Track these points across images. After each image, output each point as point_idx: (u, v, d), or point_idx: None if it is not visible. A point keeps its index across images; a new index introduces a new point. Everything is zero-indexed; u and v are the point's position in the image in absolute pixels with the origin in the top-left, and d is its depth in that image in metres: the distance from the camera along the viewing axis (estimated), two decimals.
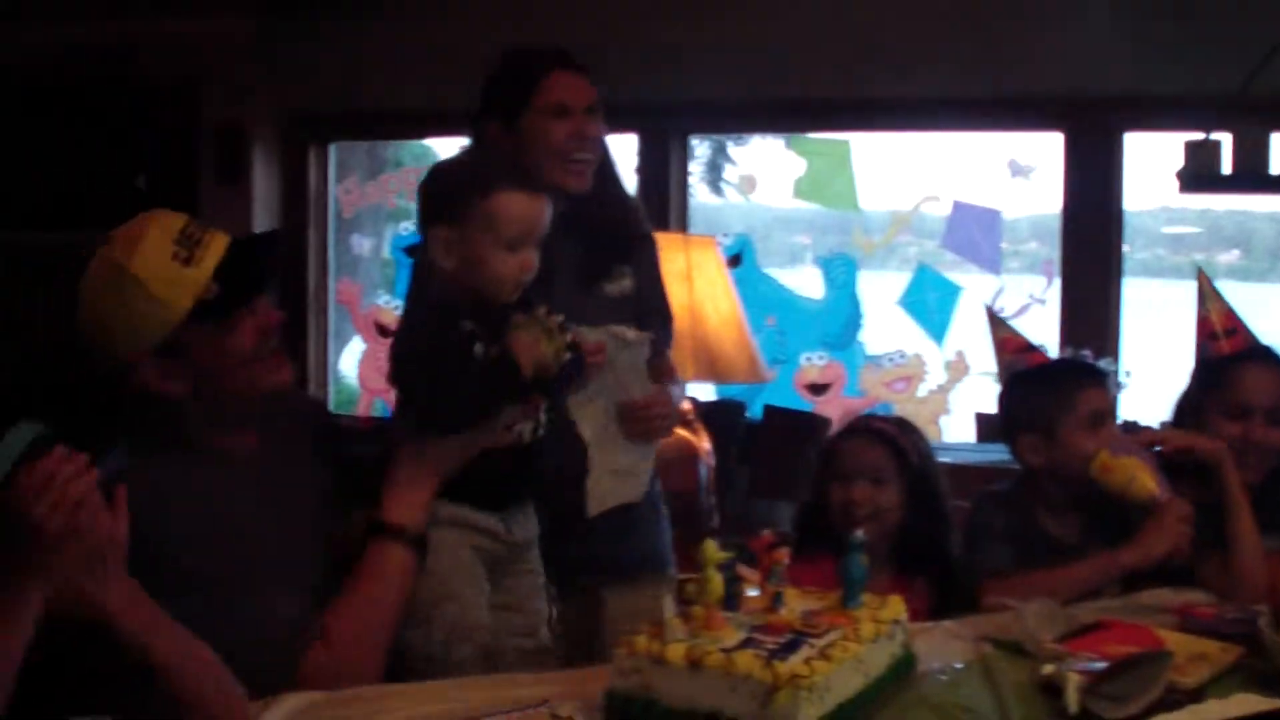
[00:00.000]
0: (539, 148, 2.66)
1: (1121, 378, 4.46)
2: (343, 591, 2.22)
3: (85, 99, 5.31)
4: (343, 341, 5.87)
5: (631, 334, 2.65)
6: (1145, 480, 2.68)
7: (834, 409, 5.03)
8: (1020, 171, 5.03)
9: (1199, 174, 4.12)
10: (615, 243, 2.80)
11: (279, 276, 2.27)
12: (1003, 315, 2.99)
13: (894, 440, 2.82)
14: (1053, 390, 2.81)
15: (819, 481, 2.84)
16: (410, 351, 2.35)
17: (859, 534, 2.13)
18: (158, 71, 5.29)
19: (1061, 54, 4.59)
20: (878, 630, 2.02)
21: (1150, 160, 4.76)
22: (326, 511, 2.35)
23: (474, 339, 2.26)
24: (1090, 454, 2.72)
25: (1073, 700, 1.95)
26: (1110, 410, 2.86)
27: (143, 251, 2.09)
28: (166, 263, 2.09)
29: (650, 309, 2.84)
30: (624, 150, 4.96)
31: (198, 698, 1.92)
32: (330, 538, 2.33)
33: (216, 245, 2.14)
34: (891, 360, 5.22)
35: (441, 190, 2.37)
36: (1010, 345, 2.92)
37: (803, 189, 5.15)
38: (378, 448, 2.41)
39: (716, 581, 1.96)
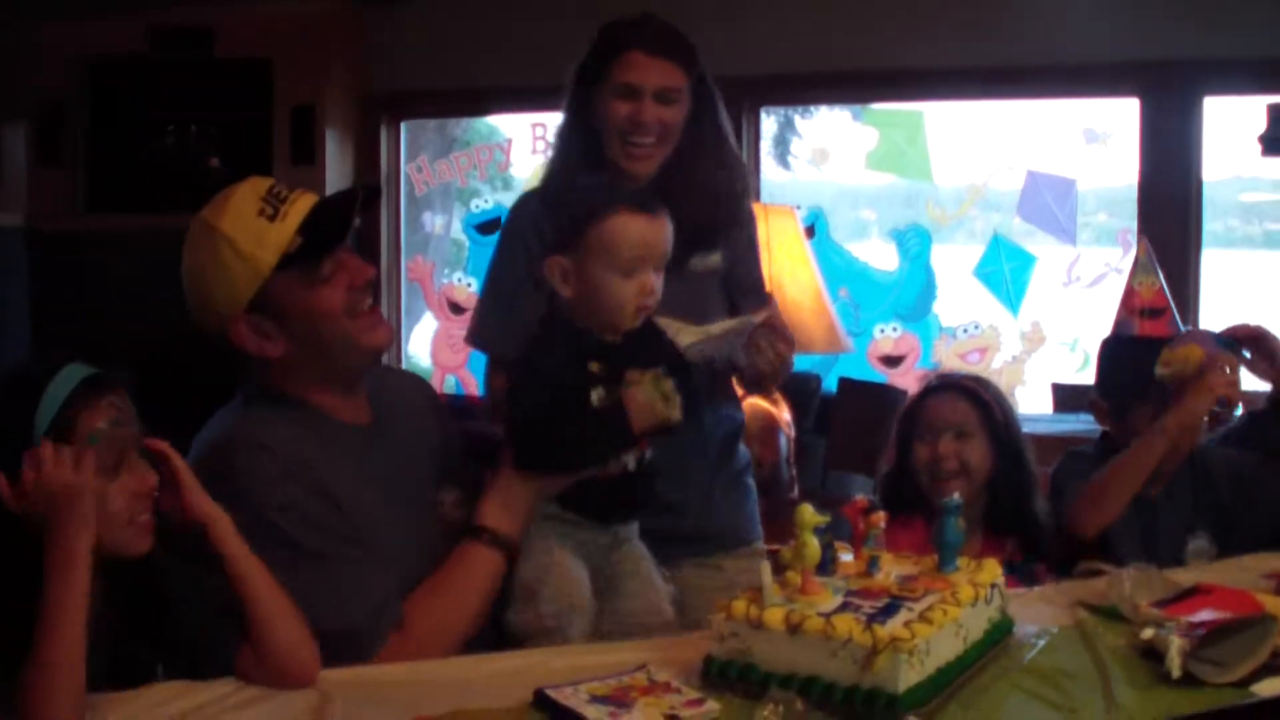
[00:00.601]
0: (604, 124, 2.67)
1: None
2: (427, 585, 2.22)
3: (164, 82, 5.35)
4: (414, 319, 5.89)
5: (723, 326, 2.52)
6: (1197, 353, 2.67)
7: (908, 381, 5.01)
8: (1095, 139, 4.97)
9: None
10: (701, 222, 2.70)
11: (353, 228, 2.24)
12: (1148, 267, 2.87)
13: (977, 394, 2.81)
14: (1135, 371, 2.77)
15: (902, 443, 2.84)
16: (529, 379, 2.29)
17: (955, 496, 2.11)
18: (233, 53, 5.32)
19: (1136, 16, 4.53)
20: (976, 594, 2.00)
21: (1223, 126, 4.69)
22: (435, 491, 2.36)
23: (595, 382, 2.22)
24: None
25: (1175, 664, 1.93)
26: None
27: (231, 210, 2.15)
28: (252, 219, 2.14)
29: (743, 287, 2.82)
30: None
31: (274, 636, 1.96)
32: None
33: (302, 203, 2.18)
34: (966, 331, 5.18)
35: (556, 218, 2.35)
36: (1132, 301, 2.84)
37: (876, 160, 5.12)
38: (485, 426, 2.39)
39: (813, 546, 1.95)
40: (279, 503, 2.11)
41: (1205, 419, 2.74)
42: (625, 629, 2.32)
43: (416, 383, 2.71)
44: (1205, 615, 2.09)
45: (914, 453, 2.78)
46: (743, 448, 2.91)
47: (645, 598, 2.37)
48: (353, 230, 2.24)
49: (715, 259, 2.78)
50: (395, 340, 5.76)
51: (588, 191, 2.47)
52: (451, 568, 2.23)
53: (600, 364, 2.24)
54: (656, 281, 2.27)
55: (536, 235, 2.71)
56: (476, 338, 2.88)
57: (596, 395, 2.22)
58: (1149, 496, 2.75)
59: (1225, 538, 2.74)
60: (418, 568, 2.25)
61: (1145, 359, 2.75)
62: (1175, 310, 2.85)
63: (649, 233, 2.26)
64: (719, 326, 2.49)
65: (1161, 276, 2.83)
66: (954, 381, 2.88)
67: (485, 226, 5.69)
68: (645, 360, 2.28)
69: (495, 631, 2.29)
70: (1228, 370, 2.69)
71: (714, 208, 2.75)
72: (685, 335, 2.39)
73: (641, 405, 2.22)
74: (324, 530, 2.13)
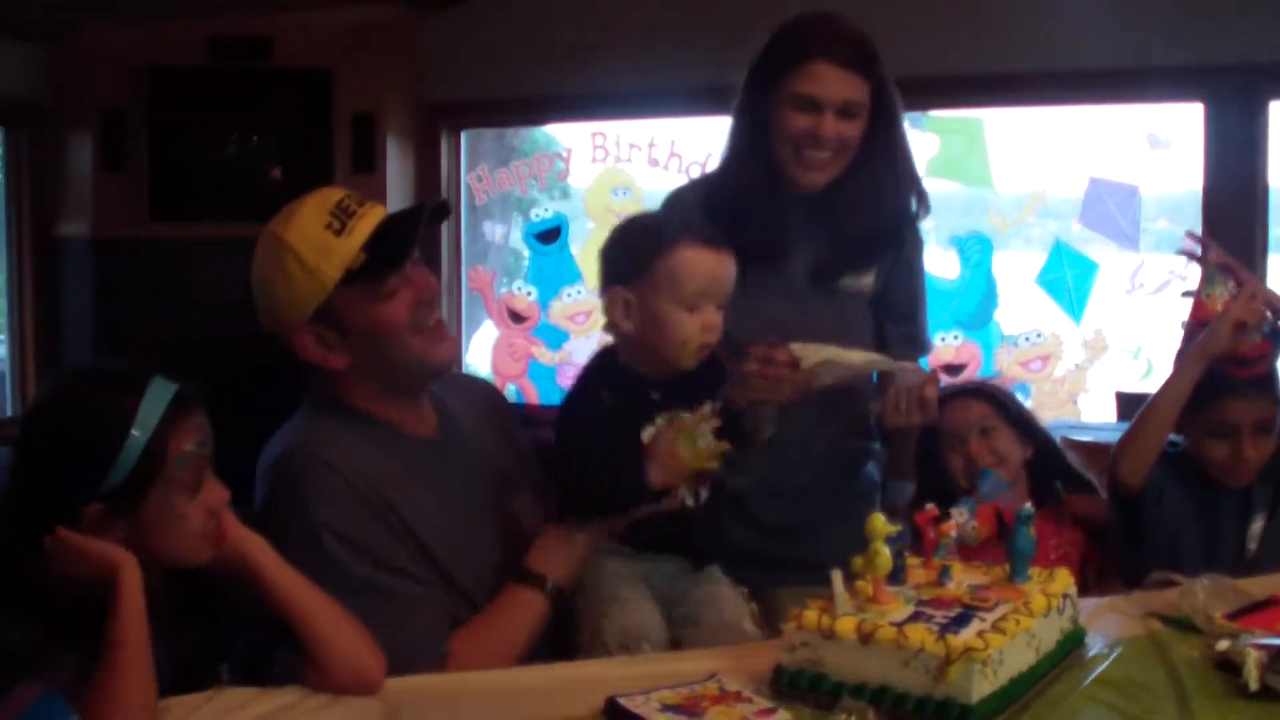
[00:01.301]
0: (776, 133, 2.59)
1: None
2: (473, 626, 2.22)
3: (224, 91, 5.39)
4: (474, 328, 5.91)
5: (865, 357, 2.50)
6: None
7: None
8: (1159, 144, 4.93)
9: None
10: (858, 240, 2.67)
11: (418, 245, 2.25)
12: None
13: (985, 391, 2.93)
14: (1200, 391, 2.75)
15: (935, 459, 2.92)
16: (570, 421, 2.28)
17: (1028, 506, 2.10)
18: (293, 62, 5.36)
19: (1198, 20, 4.48)
20: (1048, 604, 1.99)
21: None
22: (508, 499, 2.36)
23: (652, 413, 2.19)
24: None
25: (1253, 678, 1.90)
26: (1255, 424, 2.74)
27: (298, 222, 2.17)
28: (319, 232, 2.16)
29: (894, 313, 2.74)
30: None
31: (331, 651, 1.97)
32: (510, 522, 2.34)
33: (371, 217, 2.19)
34: (1028, 339, 5.14)
35: (619, 249, 2.29)
36: (1201, 313, 2.80)
37: (936, 168, 5.09)
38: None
39: (884, 555, 1.94)
40: (334, 526, 2.12)
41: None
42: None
43: (484, 387, 2.71)
44: None
45: (949, 464, 2.84)
46: (872, 476, 2.84)
47: (723, 624, 2.33)
48: (416, 246, 2.25)
49: (868, 280, 2.72)
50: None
51: (650, 222, 2.40)
52: (498, 609, 2.23)
53: (660, 394, 2.22)
54: (718, 319, 2.23)
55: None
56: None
57: (649, 433, 2.19)
58: (1220, 489, 2.78)
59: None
60: (493, 579, 2.25)
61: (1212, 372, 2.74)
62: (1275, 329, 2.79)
63: (716, 267, 2.23)
64: (860, 356, 2.45)
65: (1230, 287, 2.76)
66: (960, 388, 2.95)
67: (545, 235, 5.70)
68: (700, 393, 2.25)
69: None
70: (1249, 295, 2.68)
71: (875, 226, 2.67)
72: (818, 353, 2.36)
73: (659, 452, 2.17)
74: (377, 560, 2.13)
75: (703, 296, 2.21)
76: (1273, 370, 2.76)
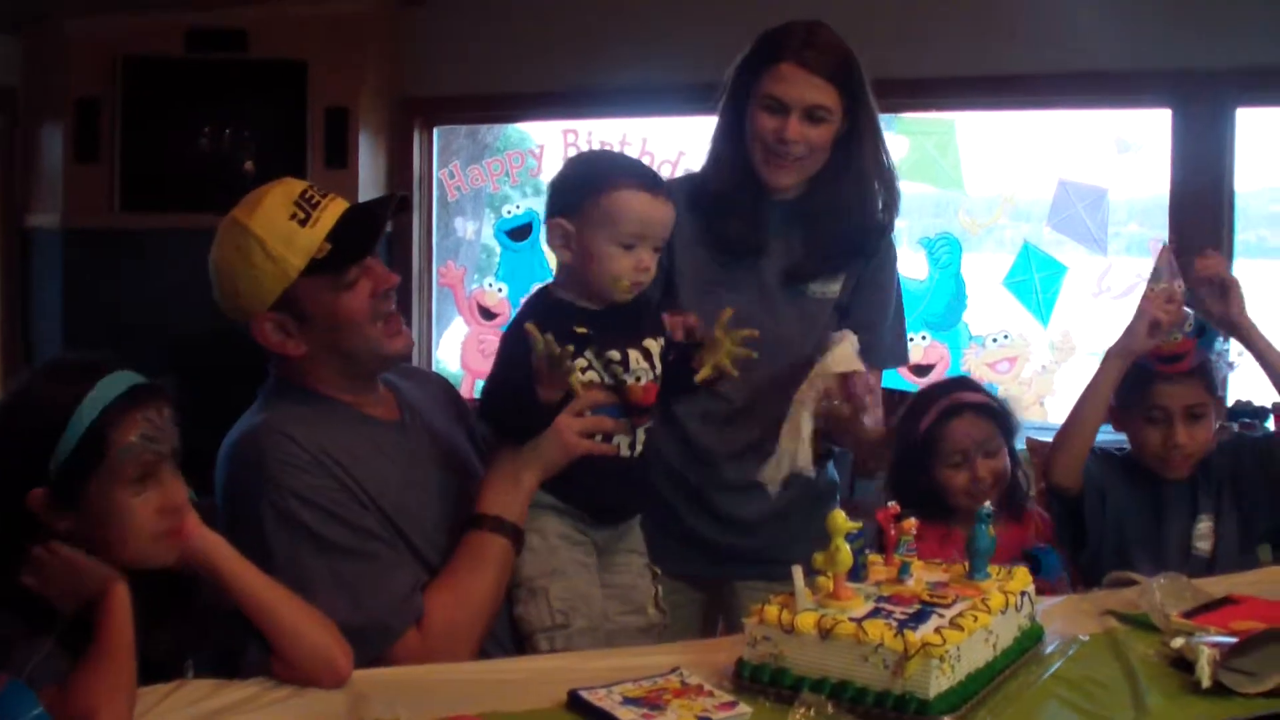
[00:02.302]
0: (750, 133, 2.64)
1: (1233, 358, 4.40)
2: (440, 580, 2.24)
3: (199, 82, 5.38)
4: (444, 324, 5.92)
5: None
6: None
7: None
8: (1127, 149, 4.97)
9: None
10: (829, 247, 2.70)
11: (384, 237, 2.28)
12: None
13: (993, 409, 2.87)
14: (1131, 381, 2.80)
15: (922, 463, 2.83)
16: (507, 348, 2.35)
17: (987, 505, 2.13)
18: (268, 55, 5.36)
19: (1168, 26, 4.52)
20: (1006, 601, 2.01)
21: (1256, 137, 4.68)
22: (466, 483, 2.38)
23: (581, 345, 2.23)
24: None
25: (1205, 674, 1.93)
26: (1186, 409, 2.78)
27: (263, 211, 2.18)
28: (284, 222, 2.17)
29: (854, 323, 2.72)
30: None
31: (297, 645, 1.98)
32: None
33: (333, 209, 2.21)
34: (995, 341, 5.18)
35: (566, 182, 2.37)
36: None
37: (908, 169, 5.12)
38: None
39: (845, 552, 1.96)
40: (303, 494, 2.13)
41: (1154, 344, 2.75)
42: (615, 626, 2.38)
43: (438, 379, 2.75)
44: (1235, 625, 2.09)
45: (945, 479, 2.81)
46: (832, 475, 2.88)
47: (630, 599, 2.43)
48: (381, 238, 2.27)
49: (835, 288, 2.74)
50: (426, 345, 5.79)
51: (596, 160, 2.49)
52: (461, 560, 2.25)
53: (585, 328, 2.27)
54: (652, 260, 2.30)
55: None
56: None
57: (583, 359, 2.24)
58: (1162, 486, 2.81)
59: (1237, 519, 2.78)
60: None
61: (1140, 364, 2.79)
62: (1201, 325, 2.81)
63: (653, 211, 2.29)
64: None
65: (1179, 284, 2.77)
66: (971, 403, 2.90)
67: (516, 232, 5.72)
68: (625, 331, 2.32)
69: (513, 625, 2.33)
70: (1166, 297, 2.71)
71: (845, 235, 2.70)
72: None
73: (542, 371, 2.19)
74: (348, 523, 2.15)
75: (637, 238, 2.28)
76: (1205, 362, 2.79)
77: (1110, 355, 2.76)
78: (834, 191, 2.67)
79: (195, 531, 1.96)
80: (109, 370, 1.90)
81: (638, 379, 2.31)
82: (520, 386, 2.21)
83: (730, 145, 2.71)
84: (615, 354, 2.27)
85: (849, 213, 2.68)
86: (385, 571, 2.17)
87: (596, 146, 5.47)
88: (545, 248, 2.25)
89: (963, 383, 3.09)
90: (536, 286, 2.46)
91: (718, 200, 2.70)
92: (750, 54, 2.67)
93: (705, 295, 2.67)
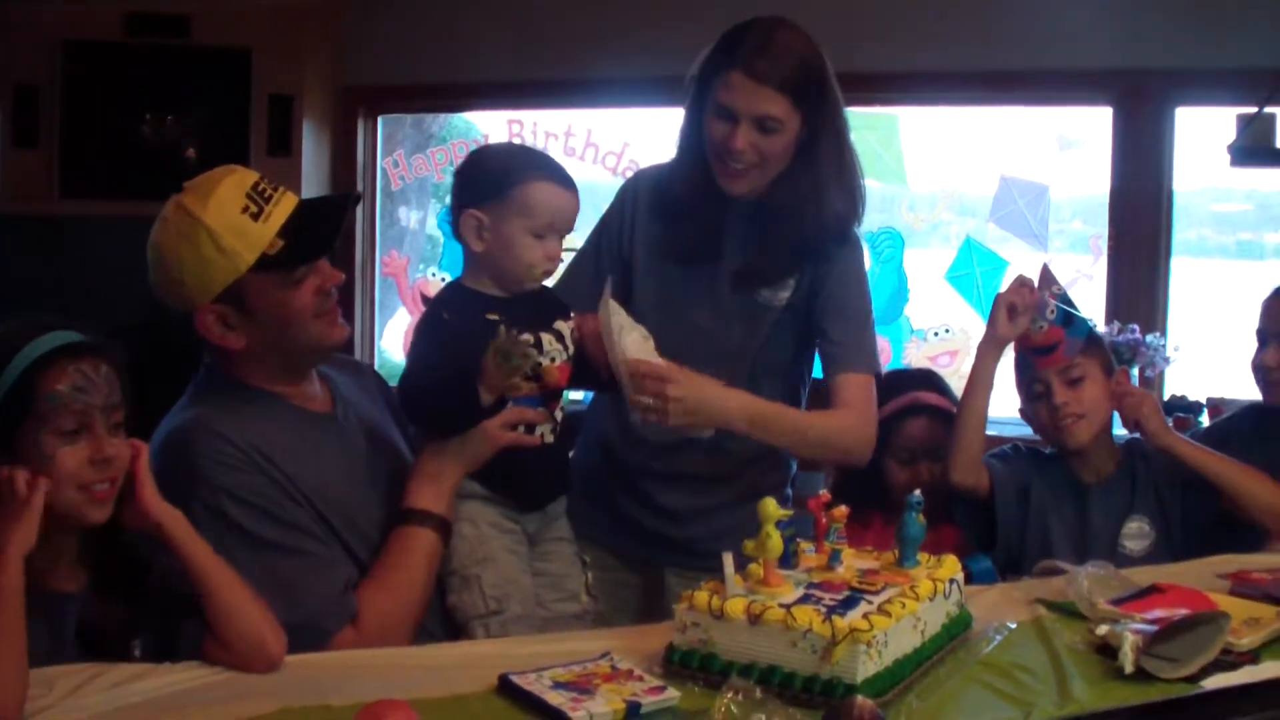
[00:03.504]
0: (705, 138, 2.60)
1: (1169, 353, 4.46)
2: (372, 575, 2.25)
3: (140, 68, 5.34)
4: (388, 314, 5.89)
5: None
6: None
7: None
8: (1069, 145, 5.01)
9: (1251, 148, 4.07)
10: (779, 249, 2.65)
11: (339, 238, 2.30)
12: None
13: (948, 413, 2.89)
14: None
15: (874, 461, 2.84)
16: (422, 337, 2.39)
17: (917, 494, 2.14)
18: (211, 41, 5.32)
19: (1110, 25, 4.56)
20: (934, 589, 2.03)
21: (1197, 136, 4.73)
22: (397, 471, 2.39)
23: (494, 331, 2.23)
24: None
25: (1128, 660, 1.96)
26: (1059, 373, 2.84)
27: (215, 202, 2.16)
28: (236, 215, 2.16)
29: (816, 326, 2.69)
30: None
31: (234, 626, 1.98)
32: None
33: (286, 203, 2.20)
34: (937, 335, 5.21)
35: (479, 174, 2.40)
36: None
37: None
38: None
39: (775, 539, 1.98)
40: (235, 493, 2.13)
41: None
42: (547, 614, 2.41)
43: (368, 369, 2.78)
44: (1159, 613, 2.12)
45: (888, 470, 2.86)
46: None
47: (562, 586, 2.48)
48: (339, 236, 2.28)
49: (784, 295, 2.69)
50: (369, 335, 5.77)
51: (508, 152, 2.55)
52: (391, 555, 2.27)
53: (498, 315, 2.30)
54: (560, 249, 2.39)
55: (619, 216, 2.77)
56: None
57: (492, 349, 2.24)
58: (1084, 483, 2.86)
59: (1165, 521, 2.80)
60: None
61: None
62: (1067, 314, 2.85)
63: (564, 202, 2.37)
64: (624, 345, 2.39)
65: (1053, 288, 2.85)
66: (926, 405, 2.94)
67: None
68: (535, 315, 2.38)
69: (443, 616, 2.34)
70: (1017, 284, 2.82)
71: (794, 239, 2.64)
72: (632, 344, 2.39)
73: (489, 370, 2.22)
74: (281, 522, 2.16)
75: (548, 228, 2.36)
76: (1075, 333, 2.82)
77: (980, 346, 2.84)
78: (789, 194, 2.60)
79: (153, 500, 1.98)
80: (54, 329, 1.95)
81: (552, 360, 2.35)
82: (451, 384, 2.24)
83: (690, 147, 2.67)
84: (528, 337, 2.27)
85: (802, 216, 2.61)
86: (318, 569, 2.17)
87: (541, 137, 5.47)
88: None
89: (928, 379, 3.13)
90: (445, 280, 2.50)
91: (678, 202, 2.68)
92: (710, 54, 2.60)
93: (660, 299, 2.69)
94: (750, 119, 2.51)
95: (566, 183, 2.38)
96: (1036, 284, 2.81)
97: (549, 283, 2.49)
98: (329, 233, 2.26)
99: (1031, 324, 2.76)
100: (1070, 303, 2.85)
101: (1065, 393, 2.79)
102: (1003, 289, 2.83)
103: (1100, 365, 2.85)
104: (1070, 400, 2.79)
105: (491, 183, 2.36)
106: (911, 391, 3.03)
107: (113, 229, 4.83)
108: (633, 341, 2.38)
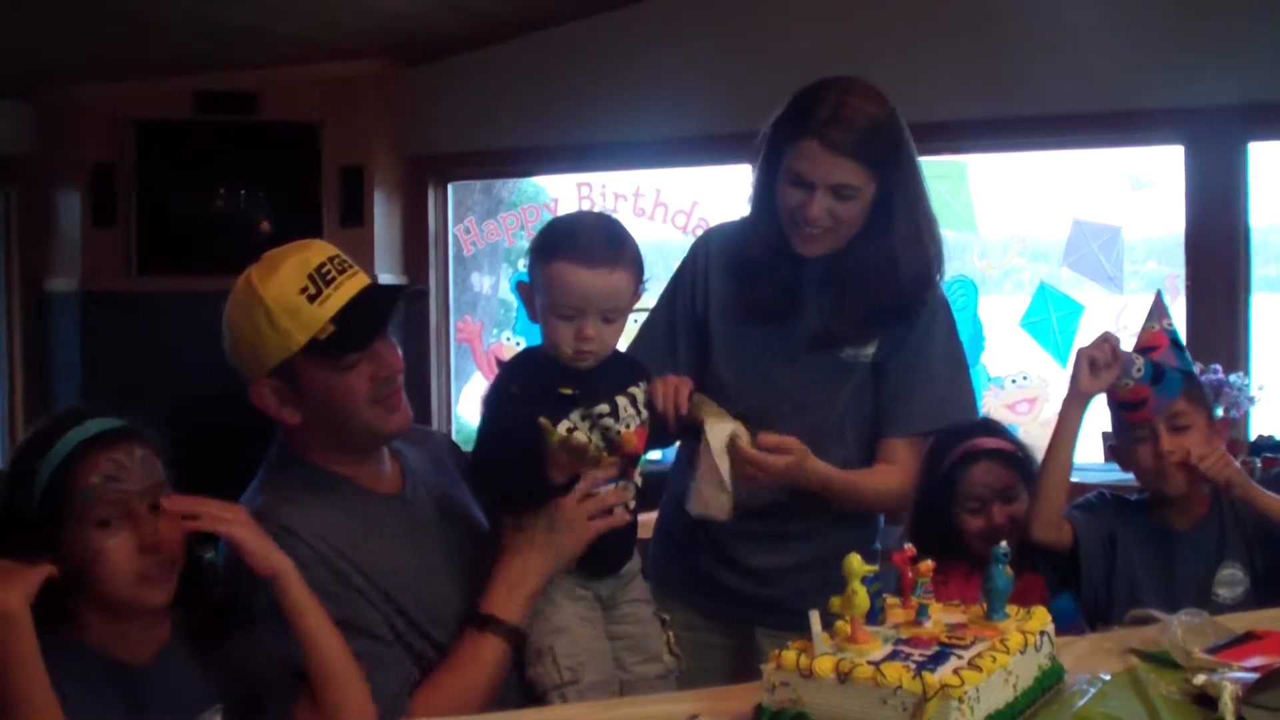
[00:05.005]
0: (778, 201, 2.58)
1: (1254, 392, 4.39)
2: (432, 679, 2.22)
3: (211, 145, 5.43)
4: (464, 379, 5.93)
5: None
6: None
7: None
8: (1141, 186, 4.96)
9: None
10: (858, 311, 2.62)
11: (396, 323, 2.29)
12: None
13: (1015, 456, 2.86)
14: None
15: (940, 508, 2.86)
16: (495, 410, 2.35)
17: (1003, 545, 2.11)
18: (280, 116, 5.40)
19: (1178, 63, 4.53)
20: (1025, 641, 1.99)
21: (1271, 170, 4.67)
22: (471, 545, 2.38)
23: (569, 406, 2.24)
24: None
25: (1229, 711, 1.91)
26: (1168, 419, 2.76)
27: (277, 280, 2.17)
28: (294, 295, 2.16)
29: (890, 385, 2.68)
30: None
31: (334, 692, 1.99)
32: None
33: (349, 287, 2.20)
34: (1014, 382, 5.17)
35: (531, 248, 2.39)
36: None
37: None
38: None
39: (862, 595, 1.95)
40: (303, 569, 2.10)
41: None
42: (630, 678, 2.37)
43: (441, 438, 2.75)
44: (1258, 661, 2.07)
45: (961, 522, 2.83)
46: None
47: (644, 648, 2.42)
48: (386, 329, 2.26)
49: (868, 351, 2.67)
50: (445, 400, 5.80)
51: (553, 228, 2.43)
52: (456, 659, 2.23)
53: (572, 388, 2.27)
54: (599, 329, 2.28)
55: (691, 275, 2.75)
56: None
57: (569, 421, 2.23)
58: (1173, 529, 2.78)
59: (1255, 567, 2.73)
60: (461, 627, 2.27)
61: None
62: (1177, 348, 2.78)
63: (591, 284, 2.26)
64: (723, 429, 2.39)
65: (1163, 321, 2.79)
66: (989, 449, 2.90)
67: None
68: (610, 381, 2.33)
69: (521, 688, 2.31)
70: (1099, 341, 2.72)
71: (877, 300, 2.62)
72: (714, 422, 2.38)
73: (559, 459, 2.21)
74: (344, 621, 2.12)
75: (576, 310, 2.26)
76: (1165, 390, 2.76)
77: (1065, 402, 2.75)
78: (863, 255, 2.58)
79: (263, 557, 1.98)
80: (89, 418, 1.95)
81: (627, 425, 2.31)
82: (522, 462, 2.22)
83: (763, 209, 2.65)
84: (604, 406, 2.26)
85: (879, 277, 2.59)
86: (375, 668, 2.13)
87: (610, 199, 5.49)
88: None
89: (984, 426, 3.08)
90: (520, 345, 2.47)
91: (752, 261, 2.66)
92: (782, 116, 2.58)
93: (736, 355, 2.68)
94: (826, 187, 2.49)
95: (594, 262, 2.25)
96: (1148, 315, 2.76)
97: (621, 345, 2.44)
98: (379, 323, 2.23)
99: (1118, 379, 2.71)
100: (1178, 340, 2.78)
101: (1171, 440, 2.73)
102: (1085, 343, 2.75)
103: (1205, 414, 2.80)
104: (1176, 448, 2.73)
105: (531, 260, 2.34)
106: (966, 440, 2.98)
107: (189, 302, 4.91)
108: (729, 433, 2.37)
